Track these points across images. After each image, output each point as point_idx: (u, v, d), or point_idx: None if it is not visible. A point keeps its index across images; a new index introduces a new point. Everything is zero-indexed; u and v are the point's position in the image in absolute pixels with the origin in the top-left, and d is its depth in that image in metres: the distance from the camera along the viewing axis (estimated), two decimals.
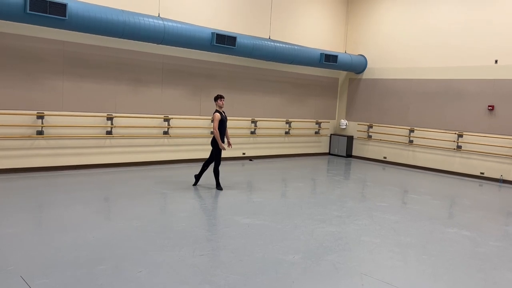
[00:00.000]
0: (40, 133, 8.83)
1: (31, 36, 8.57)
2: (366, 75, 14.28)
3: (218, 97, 8.10)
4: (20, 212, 6.17)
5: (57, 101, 9.02)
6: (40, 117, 8.81)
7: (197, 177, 8.44)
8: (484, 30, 11.37)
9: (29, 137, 8.75)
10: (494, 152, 11.28)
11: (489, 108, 11.32)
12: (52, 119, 8.99)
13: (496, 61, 11.21)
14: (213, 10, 11.13)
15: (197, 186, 8.39)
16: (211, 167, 8.30)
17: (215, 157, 8.13)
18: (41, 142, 8.95)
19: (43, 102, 8.85)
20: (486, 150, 11.44)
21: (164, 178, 9.30)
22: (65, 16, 7.91)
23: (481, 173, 11.58)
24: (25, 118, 8.67)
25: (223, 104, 8.11)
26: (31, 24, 8.05)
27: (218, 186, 8.21)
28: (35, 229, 5.67)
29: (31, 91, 8.68)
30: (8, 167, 8.54)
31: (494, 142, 11.25)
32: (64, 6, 7.85)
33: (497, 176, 11.29)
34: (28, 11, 7.53)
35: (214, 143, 8.08)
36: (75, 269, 4.28)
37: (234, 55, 11.21)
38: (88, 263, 4.45)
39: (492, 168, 11.38)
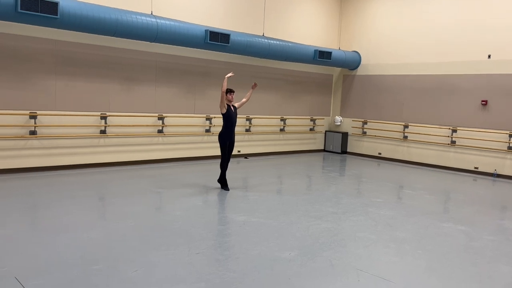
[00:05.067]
0: (33, 133, 8.76)
1: (23, 35, 8.49)
2: (360, 71, 14.29)
3: (227, 91, 7.88)
4: (14, 213, 6.13)
5: (50, 100, 8.95)
6: (33, 117, 8.74)
7: (222, 181, 8.17)
8: (477, 25, 11.39)
9: (22, 137, 8.68)
10: (488, 147, 11.33)
11: (483, 103, 11.37)
12: (45, 118, 8.92)
13: (489, 56, 11.24)
14: (206, 7, 11.08)
15: (193, 185, 8.36)
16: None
17: (222, 154, 8.00)
18: (34, 142, 8.88)
19: (36, 101, 8.77)
20: (480, 145, 11.48)
21: (159, 177, 9.26)
22: (57, 15, 7.83)
23: (475, 167, 11.64)
24: (18, 118, 8.60)
25: (232, 99, 8.02)
26: (22, 23, 7.97)
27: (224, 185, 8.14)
28: (29, 229, 5.63)
29: (23, 90, 8.60)
30: (0, 168, 8.47)
31: (488, 136, 11.31)
32: (55, 4, 7.78)
33: (491, 171, 11.34)
34: (19, 10, 7.44)
35: (220, 139, 8.01)
36: (70, 270, 4.25)
37: (228, 53, 11.17)
38: (82, 263, 4.42)
39: (486, 163, 11.43)
